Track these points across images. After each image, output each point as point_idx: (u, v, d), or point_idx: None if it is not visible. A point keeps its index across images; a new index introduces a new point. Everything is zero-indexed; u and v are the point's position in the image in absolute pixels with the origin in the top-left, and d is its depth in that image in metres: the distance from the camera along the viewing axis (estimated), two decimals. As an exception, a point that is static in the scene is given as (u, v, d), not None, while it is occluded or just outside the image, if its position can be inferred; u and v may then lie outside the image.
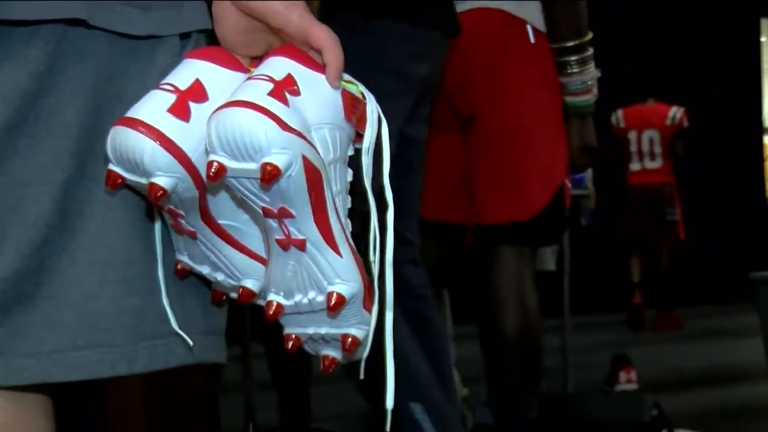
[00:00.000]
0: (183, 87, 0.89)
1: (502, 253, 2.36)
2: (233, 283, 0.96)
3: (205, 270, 0.96)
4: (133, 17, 0.91)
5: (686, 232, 6.68)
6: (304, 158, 0.87)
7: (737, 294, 6.48)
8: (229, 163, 0.86)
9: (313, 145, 0.89)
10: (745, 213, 8.34)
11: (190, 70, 0.91)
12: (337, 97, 0.93)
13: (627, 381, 4.08)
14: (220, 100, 0.88)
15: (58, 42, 0.88)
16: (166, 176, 0.87)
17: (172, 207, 0.91)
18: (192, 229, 0.93)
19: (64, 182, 0.89)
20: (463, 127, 2.36)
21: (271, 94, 0.87)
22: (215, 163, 0.86)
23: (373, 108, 0.96)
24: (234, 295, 0.98)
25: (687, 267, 7.11)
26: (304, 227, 0.89)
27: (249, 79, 0.90)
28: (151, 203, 0.92)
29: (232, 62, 0.93)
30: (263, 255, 0.94)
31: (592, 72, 2.36)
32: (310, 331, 0.95)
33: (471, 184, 2.36)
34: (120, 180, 0.88)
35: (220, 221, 0.93)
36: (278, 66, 0.90)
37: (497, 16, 2.32)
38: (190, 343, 0.94)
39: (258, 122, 0.85)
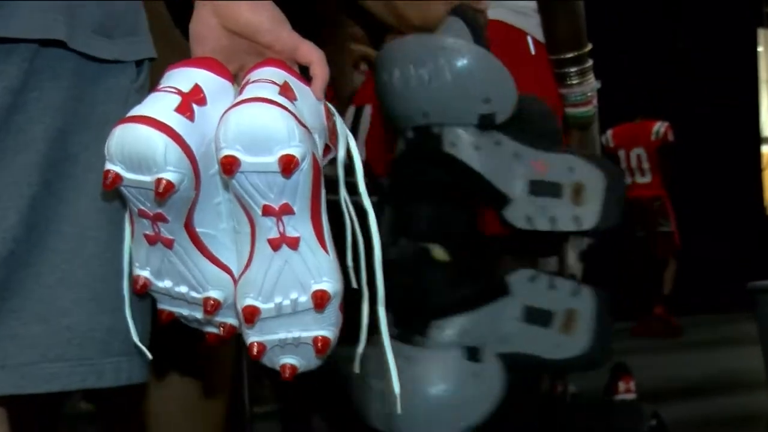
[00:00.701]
0: (185, 89, 0.92)
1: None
2: (196, 295, 0.97)
3: (166, 284, 0.97)
4: (101, 43, 0.94)
5: (685, 242, 6.79)
6: (313, 154, 0.91)
7: (736, 303, 6.48)
8: (244, 157, 0.88)
9: (316, 144, 0.93)
10: (744, 222, 8.35)
11: (187, 76, 0.93)
12: (321, 108, 0.97)
13: (626, 391, 4.08)
14: (217, 106, 0.91)
15: (32, 60, 0.90)
16: (175, 172, 0.89)
17: (161, 211, 0.92)
18: (170, 237, 0.94)
19: (31, 197, 0.90)
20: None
21: (280, 94, 0.91)
22: (230, 157, 0.88)
23: (341, 123, 1.01)
24: (185, 312, 0.99)
25: (686, 276, 7.12)
26: (301, 225, 0.92)
27: (252, 83, 0.93)
28: (131, 211, 0.93)
29: (224, 72, 0.96)
30: (231, 266, 0.97)
31: (592, 83, 2.36)
32: (281, 335, 0.96)
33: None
34: (119, 180, 0.89)
35: (198, 229, 0.95)
36: (274, 74, 0.94)
37: (497, 28, 2.32)
38: (149, 356, 0.96)
39: (279, 116, 0.88)
